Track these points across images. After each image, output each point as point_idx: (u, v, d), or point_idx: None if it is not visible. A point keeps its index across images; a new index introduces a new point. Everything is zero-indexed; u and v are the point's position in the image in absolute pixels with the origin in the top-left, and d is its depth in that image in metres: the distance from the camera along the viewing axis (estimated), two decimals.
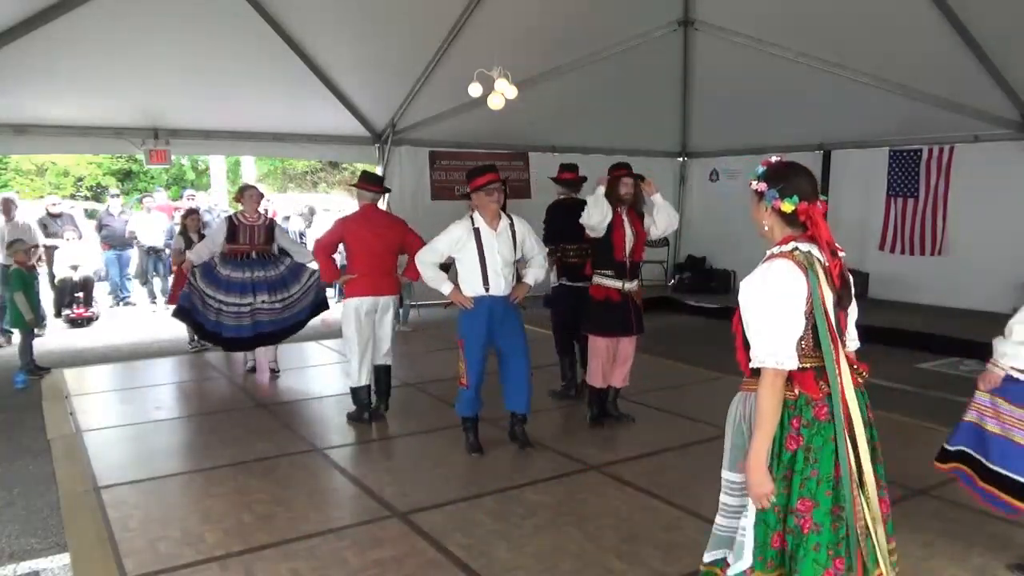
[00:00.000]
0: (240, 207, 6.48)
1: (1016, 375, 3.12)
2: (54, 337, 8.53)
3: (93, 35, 7.16)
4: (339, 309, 5.80)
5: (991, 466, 3.19)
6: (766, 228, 2.27)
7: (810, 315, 2.11)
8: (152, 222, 11.26)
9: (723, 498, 2.38)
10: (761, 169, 2.27)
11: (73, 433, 5.18)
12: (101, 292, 10.77)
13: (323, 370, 6.93)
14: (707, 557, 2.42)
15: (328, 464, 4.62)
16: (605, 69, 9.69)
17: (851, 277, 2.28)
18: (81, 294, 9.82)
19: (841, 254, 2.21)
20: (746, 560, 2.19)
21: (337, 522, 3.71)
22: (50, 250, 10.12)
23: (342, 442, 5.10)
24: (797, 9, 8.34)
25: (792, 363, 2.09)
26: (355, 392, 5.38)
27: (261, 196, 6.70)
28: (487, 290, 4.48)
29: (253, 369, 6.81)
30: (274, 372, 6.70)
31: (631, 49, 9.53)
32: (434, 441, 5.02)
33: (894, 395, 6.06)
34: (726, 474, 2.35)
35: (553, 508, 3.87)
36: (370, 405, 5.41)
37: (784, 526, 2.15)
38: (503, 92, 7.97)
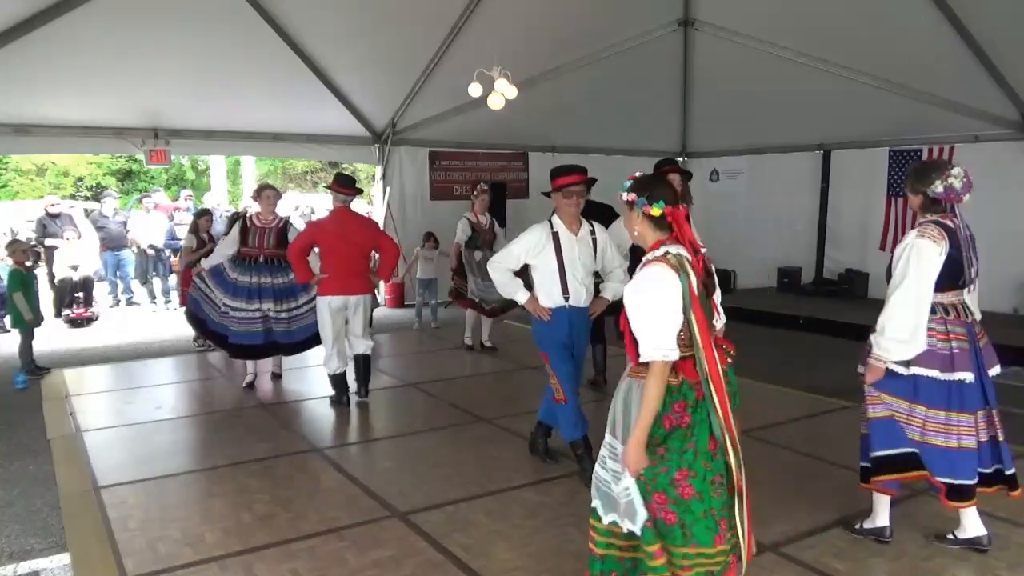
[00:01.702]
0: (257, 207, 6.14)
1: (898, 369, 3.23)
2: (54, 337, 8.53)
3: (93, 35, 7.17)
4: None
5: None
6: (636, 234, 2.55)
7: (684, 310, 2.37)
8: (152, 222, 11.27)
9: (608, 461, 2.60)
10: (628, 182, 2.55)
11: (73, 433, 5.18)
12: (101, 292, 10.77)
13: (323, 370, 6.91)
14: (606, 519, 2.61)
15: (328, 464, 4.62)
16: (605, 69, 9.70)
17: (713, 267, 2.57)
18: (81, 294, 9.81)
19: (703, 250, 2.51)
20: (641, 514, 2.45)
21: (337, 522, 3.71)
22: (50, 250, 10.13)
23: (342, 442, 5.11)
24: (797, 9, 8.35)
25: (675, 354, 2.36)
26: (332, 378, 5.80)
27: (279, 196, 6.30)
28: (567, 300, 4.08)
29: (252, 385, 6.33)
30: (276, 376, 6.52)
31: (631, 49, 9.54)
32: (434, 441, 5.01)
33: None
34: (608, 438, 2.61)
35: (553, 508, 3.87)
36: (347, 389, 5.82)
37: (652, 499, 2.42)
38: (503, 92, 7.97)
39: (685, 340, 2.39)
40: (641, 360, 2.40)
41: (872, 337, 3.28)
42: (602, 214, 6.58)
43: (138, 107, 8.53)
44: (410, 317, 9.55)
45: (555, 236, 4.06)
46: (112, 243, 10.58)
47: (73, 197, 20.96)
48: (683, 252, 2.42)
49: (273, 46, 8.14)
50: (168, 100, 8.57)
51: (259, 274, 5.97)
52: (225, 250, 6.05)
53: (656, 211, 2.43)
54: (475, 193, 7.61)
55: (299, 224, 6.63)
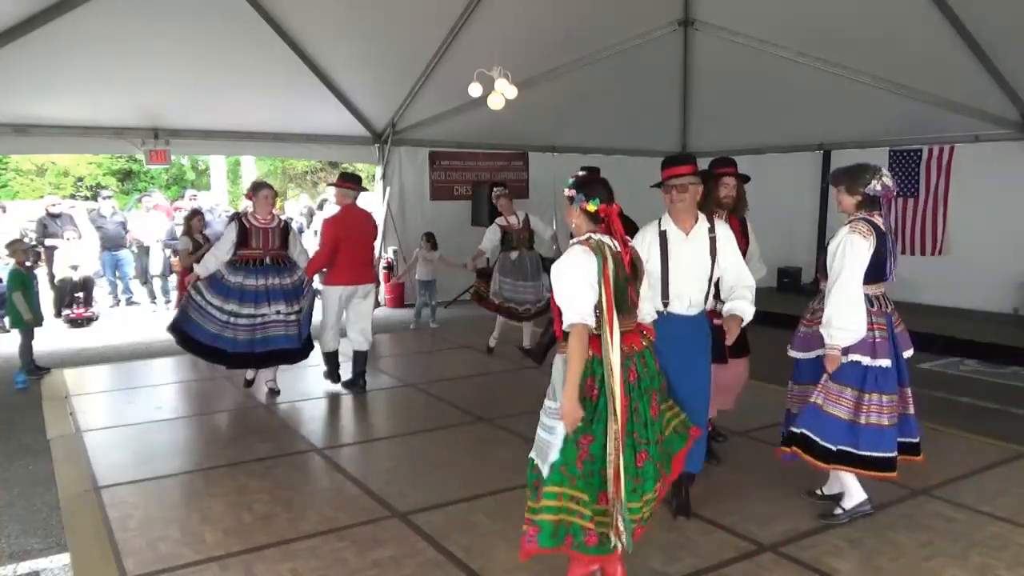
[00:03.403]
0: (252, 206, 5.79)
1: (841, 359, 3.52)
2: (54, 337, 8.52)
3: (93, 35, 7.16)
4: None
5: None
6: (574, 226, 2.89)
7: (597, 287, 2.68)
8: (151, 221, 11.27)
9: (543, 418, 2.88)
10: (571, 180, 2.89)
11: (73, 433, 5.18)
12: (101, 292, 10.77)
13: (322, 370, 6.91)
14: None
15: (328, 464, 4.62)
16: (605, 69, 9.70)
17: (642, 262, 2.96)
18: (81, 294, 9.81)
19: (632, 244, 2.90)
20: (553, 455, 2.75)
21: (337, 522, 3.71)
22: (50, 250, 10.13)
23: (342, 442, 5.11)
24: (797, 9, 8.34)
25: (592, 320, 2.67)
26: (327, 356, 6.17)
27: (276, 196, 6.02)
28: (666, 306, 3.55)
29: (251, 382, 6.18)
30: (273, 391, 6.06)
31: (631, 49, 9.53)
32: (434, 441, 5.01)
33: None
34: (547, 402, 2.89)
35: None
36: (338, 366, 6.23)
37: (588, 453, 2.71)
38: (503, 92, 7.97)
39: (598, 319, 2.69)
40: (564, 326, 2.71)
41: (822, 329, 3.52)
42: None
43: (138, 107, 8.52)
44: (409, 317, 9.54)
45: (663, 235, 3.59)
46: (110, 243, 10.55)
47: (73, 197, 20.93)
48: (607, 241, 2.77)
49: (273, 46, 8.14)
50: (168, 100, 8.57)
51: (267, 276, 5.65)
52: (221, 255, 5.62)
53: (592, 207, 2.77)
54: (495, 197, 7.44)
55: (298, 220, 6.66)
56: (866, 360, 3.49)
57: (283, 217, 6.20)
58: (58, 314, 9.65)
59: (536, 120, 10.37)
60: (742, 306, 3.56)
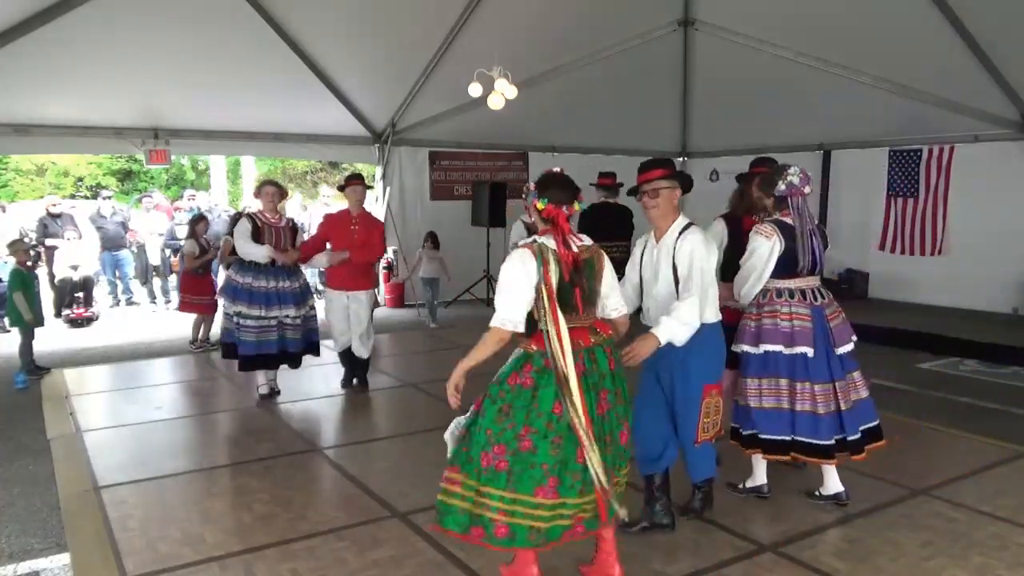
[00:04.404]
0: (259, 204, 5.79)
1: (751, 349, 3.71)
2: (54, 337, 8.52)
3: (93, 35, 7.17)
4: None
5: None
6: (532, 220, 2.96)
7: (537, 291, 2.72)
8: (151, 221, 11.26)
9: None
10: (542, 174, 2.97)
11: (73, 433, 5.17)
12: (101, 292, 10.77)
13: (323, 370, 6.91)
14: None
15: (328, 464, 4.62)
16: (605, 69, 9.70)
17: (601, 264, 2.91)
18: (81, 294, 9.81)
19: (578, 245, 2.83)
20: (453, 432, 2.97)
21: (337, 522, 3.71)
22: (50, 250, 10.12)
23: (342, 442, 5.11)
24: (797, 9, 8.35)
25: (519, 327, 2.74)
26: (364, 362, 6.18)
27: (282, 195, 5.93)
28: (641, 318, 3.52)
29: (270, 393, 5.95)
30: (274, 391, 6.00)
31: (631, 49, 9.54)
32: (434, 441, 4.98)
33: (894, 395, 6.06)
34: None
35: None
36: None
37: (494, 449, 2.74)
38: (503, 92, 7.98)
39: (538, 316, 2.74)
40: (490, 324, 2.77)
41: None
42: (622, 217, 6.58)
43: (138, 107, 8.53)
44: (411, 317, 9.54)
45: (645, 244, 3.51)
46: (109, 243, 10.54)
47: (73, 197, 20.92)
48: (550, 244, 2.77)
49: (273, 46, 8.15)
50: (168, 100, 8.57)
51: (276, 278, 5.61)
52: (252, 247, 5.53)
53: (540, 205, 2.83)
54: (524, 195, 7.42)
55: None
56: (784, 349, 3.61)
57: (290, 217, 6.18)
58: (58, 314, 9.65)
59: (536, 120, 10.38)
60: (669, 326, 3.20)
